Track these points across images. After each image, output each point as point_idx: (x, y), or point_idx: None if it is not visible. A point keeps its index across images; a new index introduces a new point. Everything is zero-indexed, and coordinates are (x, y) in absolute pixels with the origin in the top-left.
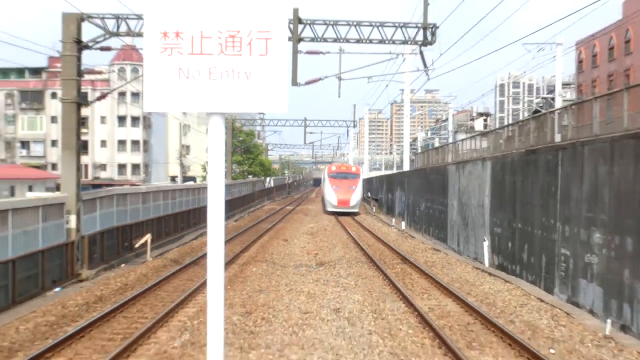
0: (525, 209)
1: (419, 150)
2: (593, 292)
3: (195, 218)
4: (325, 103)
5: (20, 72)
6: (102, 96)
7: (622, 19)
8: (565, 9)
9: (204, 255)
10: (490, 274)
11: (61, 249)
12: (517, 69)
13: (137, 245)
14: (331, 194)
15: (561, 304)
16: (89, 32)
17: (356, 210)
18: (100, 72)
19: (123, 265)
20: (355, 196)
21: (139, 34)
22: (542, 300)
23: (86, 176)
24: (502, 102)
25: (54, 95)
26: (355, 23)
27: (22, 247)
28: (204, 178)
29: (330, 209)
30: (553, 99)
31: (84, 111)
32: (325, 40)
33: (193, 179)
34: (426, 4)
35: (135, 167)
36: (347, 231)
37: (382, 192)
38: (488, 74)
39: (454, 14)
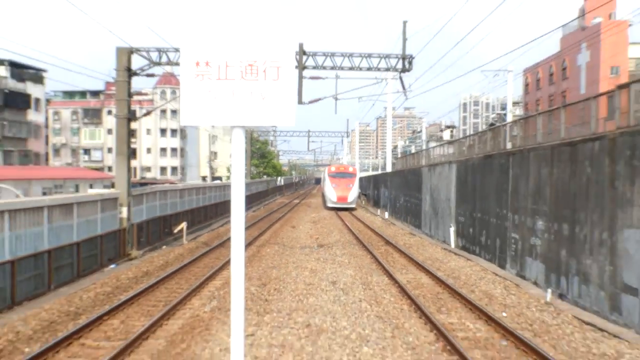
0: (483, 202)
1: (399, 156)
2: (537, 267)
3: (221, 210)
4: (325, 118)
5: (82, 94)
6: (148, 113)
7: (560, 51)
8: (516, 43)
9: (228, 239)
10: (455, 253)
11: (115, 234)
12: (477, 91)
13: (175, 231)
14: (331, 192)
15: (512, 277)
16: (137, 62)
17: (353, 205)
18: (146, 94)
19: (164, 247)
20: (353, 193)
21: (177, 64)
22: (496, 274)
23: (135, 176)
24: (464, 117)
25: (109, 112)
26: (348, 54)
27: (85, 232)
28: (229, 178)
29: (330, 205)
30: (505, 114)
31: (133, 125)
32: (324, 68)
33: (220, 178)
34: (404, 39)
35: (174, 169)
36: (342, 220)
37: (369, 188)
38: (454, 94)
39: (427, 47)
